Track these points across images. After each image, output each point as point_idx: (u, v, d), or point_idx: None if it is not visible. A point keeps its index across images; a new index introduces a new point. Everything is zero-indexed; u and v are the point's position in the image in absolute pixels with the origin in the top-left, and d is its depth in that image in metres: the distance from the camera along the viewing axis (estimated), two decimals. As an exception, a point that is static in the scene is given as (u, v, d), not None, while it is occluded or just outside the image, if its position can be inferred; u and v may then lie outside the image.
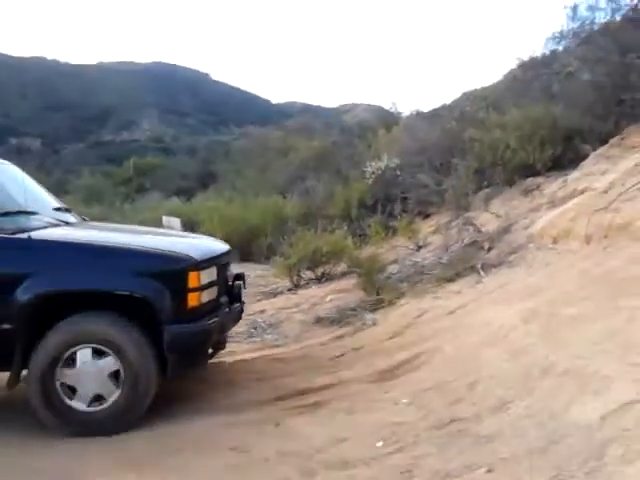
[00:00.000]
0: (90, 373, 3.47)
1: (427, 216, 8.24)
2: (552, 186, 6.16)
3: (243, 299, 4.35)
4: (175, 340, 3.52)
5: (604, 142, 6.18)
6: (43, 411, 3.43)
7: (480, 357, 3.53)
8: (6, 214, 3.75)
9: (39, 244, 3.63)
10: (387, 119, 16.38)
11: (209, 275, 3.74)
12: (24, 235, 3.60)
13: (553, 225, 5.07)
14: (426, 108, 14.33)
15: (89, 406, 3.48)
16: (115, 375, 3.48)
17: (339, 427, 3.15)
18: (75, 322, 3.49)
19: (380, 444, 2.87)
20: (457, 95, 14.10)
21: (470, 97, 12.38)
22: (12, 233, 3.60)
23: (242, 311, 4.34)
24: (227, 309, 3.96)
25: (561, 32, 6.89)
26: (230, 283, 4.26)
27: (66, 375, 3.46)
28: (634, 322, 3.01)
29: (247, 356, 4.99)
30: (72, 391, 3.47)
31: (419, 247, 6.84)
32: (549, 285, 4.10)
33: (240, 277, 4.42)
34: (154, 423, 3.43)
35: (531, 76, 8.25)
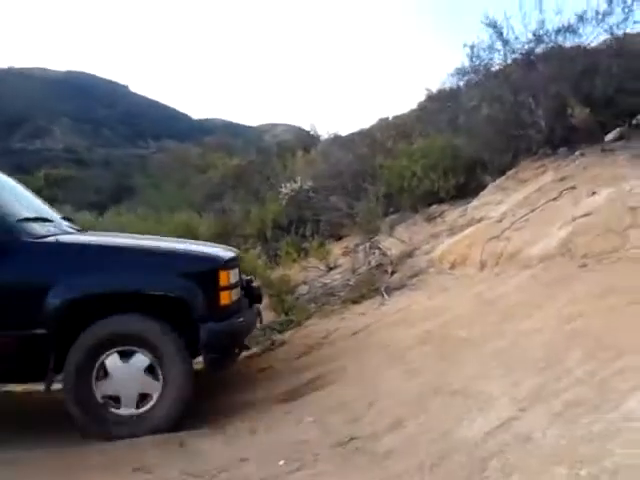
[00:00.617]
0: (130, 377, 3.54)
1: (339, 238, 8.43)
2: (454, 214, 6.52)
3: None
4: (210, 337, 3.62)
5: (502, 173, 6.62)
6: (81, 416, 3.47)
7: (380, 377, 3.66)
8: (32, 219, 3.83)
9: (70, 247, 3.73)
10: (306, 141, 16.59)
11: (235, 275, 3.88)
12: (52, 239, 3.68)
13: (451, 251, 5.37)
14: (344, 132, 14.65)
15: (102, 398, 3.53)
16: (145, 397, 3.55)
17: (242, 447, 3.20)
18: (111, 323, 3.54)
19: (282, 463, 2.95)
20: (374, 121, 14.52)
21: (383, 124, 12.81)
22: (41, 237, 3.68)
23: (260, 313, 4.47)
24: (250, 309, 4.13)
25: (462, 68, 7.35)
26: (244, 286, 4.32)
27: (112, 360, 3.52)
28: (517, 345, 3.26)
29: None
30: (105, 373, 3.52)
31: (329, 269, 7.01)
32: (445, 308, 4.34)
33: (251, 281, 4.55)
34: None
35: (438, 108, 8.71)
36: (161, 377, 3.55)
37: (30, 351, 3.56)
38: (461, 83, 7.96)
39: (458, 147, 7.37)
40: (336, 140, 13.39)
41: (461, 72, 7.38)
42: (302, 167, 11.40)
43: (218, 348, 3.73)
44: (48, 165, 31.09)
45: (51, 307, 3.48)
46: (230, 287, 3.78)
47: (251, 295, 4.35)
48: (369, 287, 5.59)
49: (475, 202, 6.27)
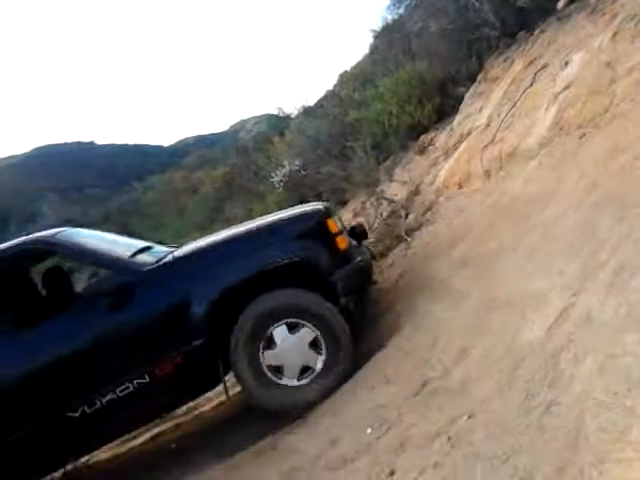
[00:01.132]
0: (294, 349, 3.67)
1: (345, 203, 8.42)
2: (442, 137, 6.45)
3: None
4: (345, 283, 3.77)
5: (474, 80, 6.52)
6: (245, 368, 3.61)
7: (432, 314, 3.66)
8: (138, 252, 4.02)
9: (190, 257, 3.86)
10: (279, 124, 16.53)
11: (338, 221, 4.07)
12: (169, 258, 3.86)
13: (453, 173, 5.33)
14: (312, 101, 14.53)
15: (267, 368, 3.66)
16: (306, 369, 3.69)
17: (327, 429, 3.25)
18: (264, 301, 3.66)
19: (369, 431, 2.99)
20: (335, 79, 14.38)
21: (344, 79, 12.68)
22: (158, 261, 3.83)
23: (370, 249, 4.64)
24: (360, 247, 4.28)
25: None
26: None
27: (278, 332, 3.65)
28: (547, 236, 3.24)
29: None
30: (269, 345, 3.65)
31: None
32: (467, 228, 4.31)
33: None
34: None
35: (388, 43, 8.59)
36: (324, 351, 3.66)
37: (197, 363, 3.69)
38: (401, 11, 7.83)
39: (422, 72, 7.27)
40: (307, 112, 13.30)
41: (396, 1, 7.25)
42: (284, 150, 11.35)
43: (354, 290, 3.90)
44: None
45: (198, 316, 3.63)
46: (341, 232, 3.96)
47: (355, 235, 4.47)
48: (390, 237, 5.57)
49: (458, 117, 6.19)
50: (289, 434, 3.52)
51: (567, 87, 4.33)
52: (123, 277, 3.69)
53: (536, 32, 5.71)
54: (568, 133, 4.04)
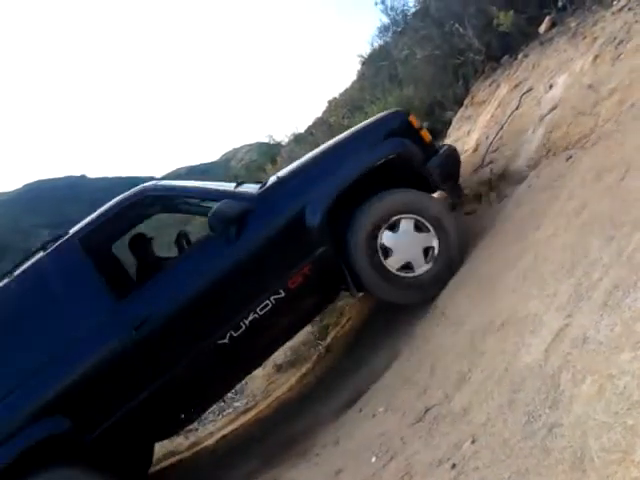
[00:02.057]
0: (408, 241, 3.98)
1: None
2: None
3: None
4: (440, 170, 4.14)
5: (461, 105, 6.63)
6: (364, 260, 3.90)
7: (427, 340, 3.69)
8: (238, 184, 4.37)
9: (291, 176, 4.15)
10: (270, 152, 16.61)
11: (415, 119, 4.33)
12: (272, 178, 4.21)
13: (445, 197, 5.38)
14: (302, 127, 14.67)
15: (397, 270, 3.95)
16: (427, 251, 4.01)
17: (331, 460, 3.26)
18: (372, 203, 3.96)
19: (374, 460, 3.00)
20: (324, 106, 14.51)
21: (333, 106, 12.80)
22: (262, 186, 4.15)
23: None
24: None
25: (383, 25, 7.37)
26: None
27: (386, 236, 3.94)
28: (538, 257, 3.27)
29: (227, 431, 5.01)
30: (387, 252, 3.95)
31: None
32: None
33: None
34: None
35: (375, 70, 8.72)
36: (430, 227, 3.98)
37: (323, 269, 3.99)
38: (388, 39, 7.98)
39: (410, 97, 7.37)
40: (297, 139, 13.40)
41: (383, 29, 7.40)
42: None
43: (450, 175, 4.25)
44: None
45: (315, 226, 3.92)
46: (421, 127, 4.31)
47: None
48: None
49: (447, 141, 6.29)
50: (291, 468, 3.51)
51: (552, 109, 4.42)
52: (241, 203, 3.90)
53: (520, 56, 5.83)
54: (555, 154, 4.11)
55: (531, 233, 3.53)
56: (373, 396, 3.67)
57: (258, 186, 4.21)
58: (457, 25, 6.36)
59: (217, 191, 4.23)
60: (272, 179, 4.20)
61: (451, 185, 4.28)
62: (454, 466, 2.45)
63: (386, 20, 7.72)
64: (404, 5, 7.03)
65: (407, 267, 4.00)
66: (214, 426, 5.10)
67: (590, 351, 2.27)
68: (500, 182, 4.59)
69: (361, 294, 4.33)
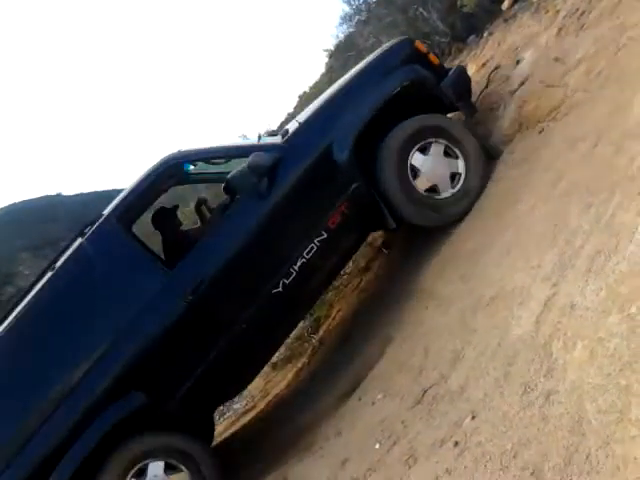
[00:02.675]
0: (437, 165, 4.10)
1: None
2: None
3: None
4: (453, 87, 4.26)
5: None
6: (394, 181, 4.01)
7: (422, 321, 3.71)
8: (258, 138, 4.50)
9: (319, 112, 4.27)
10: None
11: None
12: (297, 122, 4.33)
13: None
14: (275, 125, 14.61)
15: (424, 192, 4.08)
16: (453, 177, 4.12)
17: (337, 452, 3.28)
18: (396, 132, 4.06)
19: (377, 446, 3.02)
20: (295, 102, 14.45)
21: (304, 100, 12.77)
22: (284, 134, 4.24)
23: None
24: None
25: (346, 15, 7.37)
26: None
27: (416, 158, 4.05)
28: (520, 230, 3.31)
29: (228, 433, 5.02)
30: (416, 173, 4.07)
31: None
32: (443, 232, 4.33)
33: None
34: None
35: (343, 61, 8.71)
36: (459, 154, 4.10)
37: (359, 204, 4.11)
38: (352, 29, 7.97)
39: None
40: (270, 136, 13.29)
41: (345, 18, 7.40)
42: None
43: (463, 92, 4.37)
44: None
45: (345, 163, 4.03)
46: (429, 52, 4.46)
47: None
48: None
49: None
50: (298, 463, 3.53)
51: (522, 84, 4.45)
52: (271, 154, 3.98)
53: (485, 35, 5.87)
54: (528, 129, 4.14)
55: (511, 208, 3.57)
56: (370, 384, 3.68)
57: (279, 136, 4.27)
58: (421, 9, 6.39)
59: (244, 147, 4.37)
60: (293, 125, 4.29)
61: (466, 102, 4.40)
62: (457, 444, 2.48)
63: (348, 9, 7.71)
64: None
65: (433, 190, 4.13)
66: (216, 430, 5.08)
67: (578, 317, 2.31)
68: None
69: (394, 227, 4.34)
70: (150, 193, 4.23)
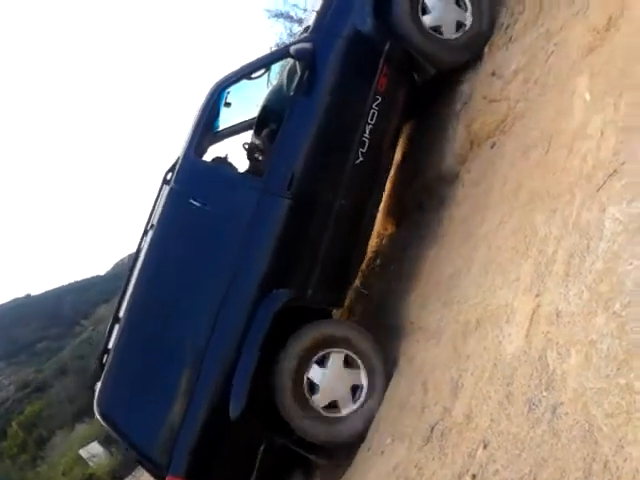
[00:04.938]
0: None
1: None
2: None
3: None
4: None
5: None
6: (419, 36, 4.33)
7: (411, 359, 3.66)
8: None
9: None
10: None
11: None
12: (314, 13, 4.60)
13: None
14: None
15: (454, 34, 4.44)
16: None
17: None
18: None
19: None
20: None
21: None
22: (307, 29, 4.66)
23: None
24: None
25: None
26: None
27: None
28: (492, 247, 3.31)
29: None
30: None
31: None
32: (418, 266, 4.37)
33: None
34: None
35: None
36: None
37: (399, 60, 4.45)
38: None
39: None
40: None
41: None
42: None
43: None
44: (12, 415, 28.82)
45: (368, 26, 4.33)
46: None
47: None
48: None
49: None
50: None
51: (465, 103, 4.54)
52: (307, 43, 4.27)
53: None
54: (480, 145, 4.21)
55: (479, 227, 3.59)
56: (376, 432, 3.59)
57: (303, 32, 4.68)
58: None
59: (278, 50, 5.08)
60: (312, 16, 4.58)
61: None
62: (474, 476, 2.41)
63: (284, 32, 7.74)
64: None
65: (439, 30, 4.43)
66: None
67: (566, 324, 2.29)
68: (436, 186, 4.66)
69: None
70: (209, 123, 4.62)
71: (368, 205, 4.52)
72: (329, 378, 3.85)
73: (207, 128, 4.56)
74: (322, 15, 4.44)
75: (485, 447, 2.47)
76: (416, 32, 4.34)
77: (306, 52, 4.19)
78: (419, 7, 4.36)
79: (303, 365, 3.82)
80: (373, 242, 5.46)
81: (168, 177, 4.43)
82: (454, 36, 4.44)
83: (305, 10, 7.15)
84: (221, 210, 4.13)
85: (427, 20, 4.38)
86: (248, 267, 4.02)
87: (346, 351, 3.91)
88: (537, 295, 2.60)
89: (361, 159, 4.26)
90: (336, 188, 4.22)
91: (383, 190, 4.88)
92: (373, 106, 4.30)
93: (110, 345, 4.08)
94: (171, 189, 4.27)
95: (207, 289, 4.01)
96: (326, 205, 4.20)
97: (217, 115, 4.83)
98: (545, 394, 2.24)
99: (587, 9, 3.34)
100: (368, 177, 4.42)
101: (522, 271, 2.81)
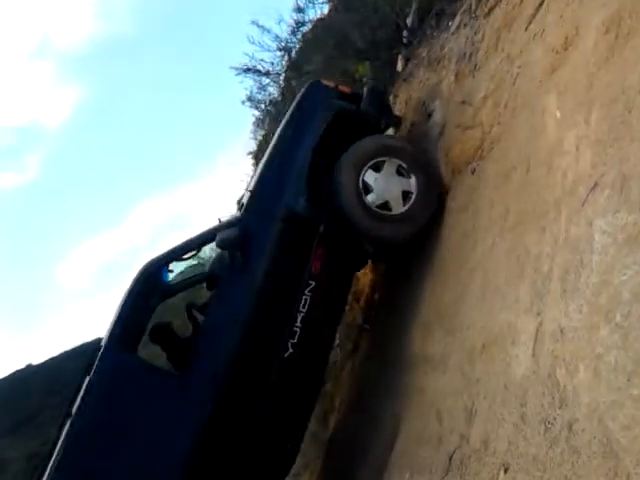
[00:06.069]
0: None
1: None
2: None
3: None
4: (373, 106, 4.62)
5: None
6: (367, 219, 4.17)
7: (421, 390, 3.65)
8: None
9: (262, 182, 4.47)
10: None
11: None
12: None
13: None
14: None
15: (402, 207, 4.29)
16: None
17: None
18: None
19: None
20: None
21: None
22: None
23: None
24: None
25: (257, 119, 7.46)
26: None
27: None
28: (488, 268, 3.34)
29: None
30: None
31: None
32: (413, 296, 4.39)
33: None
34: None
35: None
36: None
37: (334, 240, 4.30)
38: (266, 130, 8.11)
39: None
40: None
41: (258, 123, 7.53)
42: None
43: (382, 106, 4.75)
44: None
45: (302, 207, 4.22)
46: (337, 84, 4.75)
47: None
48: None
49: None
50: None
51: (441, 133, 4.64)
52: (234, 228, 4.16)
53: (390, 98, 6.12)
54: (461, 172, 4.28)
55: (472, 252, 3.62)
56: (395, 467, 3.56)
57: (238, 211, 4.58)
58: (357, 33, 6.43)
59: (207, 231, 4.39)
60: (245, 195, 4.48)
61: (387, 115, 4.76)
62: (499, 503, 2.39)
63: (258, 113, 7.92)
64: (270, 95, 7.24)
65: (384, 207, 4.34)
66: None
67: (571, 339, 2.31)
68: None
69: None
70: (137, 312, 4.21)
71: (300, 407, 4.16)
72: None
73: (134, 319, 4.21)
74: (255, 195, 4.30)
75: (506, 471, 2.45)
76: (362, 214, 4.15)
77: (230, 241, 4.00)
78: (361, 187, 4.17)
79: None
80: (368, 277, 5.49)
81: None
82: (403, 209, 4.26)
83: (272, 64, 7.19)
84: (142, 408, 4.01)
85: (371, 199, 4.18)
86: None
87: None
88: (538, 314, 2.62)
89: (290, 351, 3.98)
90: (262, 384, 3.95)
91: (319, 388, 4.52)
92: (306, 292, 4.06)
93: None
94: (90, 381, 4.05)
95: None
96: (249, 402, 3.94)
97: (148, 297, 4.33)
98: (559, 412, 2.24)
99: (543, 31, 3.46)
100: (299, 374, 4.05)
101: (520, 292, 2.84)
